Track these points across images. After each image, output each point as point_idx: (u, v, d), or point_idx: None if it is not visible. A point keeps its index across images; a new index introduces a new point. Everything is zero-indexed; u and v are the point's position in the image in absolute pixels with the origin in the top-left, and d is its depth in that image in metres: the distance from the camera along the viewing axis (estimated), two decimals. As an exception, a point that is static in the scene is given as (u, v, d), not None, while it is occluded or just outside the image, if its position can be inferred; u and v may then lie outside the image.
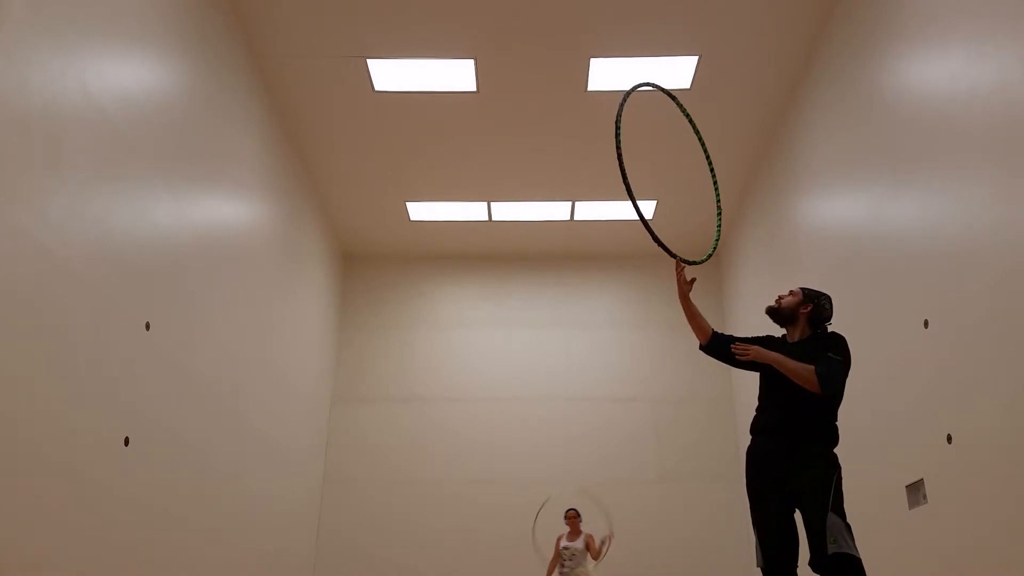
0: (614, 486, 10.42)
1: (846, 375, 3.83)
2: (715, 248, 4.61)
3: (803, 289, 4.13)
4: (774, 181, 8.90)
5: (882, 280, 6.12)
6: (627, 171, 4.22)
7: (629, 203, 10.09)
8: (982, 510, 4.69)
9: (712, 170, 4.84)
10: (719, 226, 4.80)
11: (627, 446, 10.63)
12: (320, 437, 10.41)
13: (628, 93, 4.49)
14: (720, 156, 9.21)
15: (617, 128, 4.29)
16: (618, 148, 4.29)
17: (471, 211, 10.48)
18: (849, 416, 6.66)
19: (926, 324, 5.36)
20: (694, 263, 4.31)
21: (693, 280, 4.22)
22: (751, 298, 9.85)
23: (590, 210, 10.41)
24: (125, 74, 5.24)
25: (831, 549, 3.53)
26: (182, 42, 6.10)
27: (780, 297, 4.14)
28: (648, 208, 10.29)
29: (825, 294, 4.11)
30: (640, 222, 4.37)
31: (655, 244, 4.31)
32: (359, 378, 11.00)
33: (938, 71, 5.31)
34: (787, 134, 8.43)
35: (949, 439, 5.04)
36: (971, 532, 4.81)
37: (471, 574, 9.94)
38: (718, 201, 4.82)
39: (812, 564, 3.62)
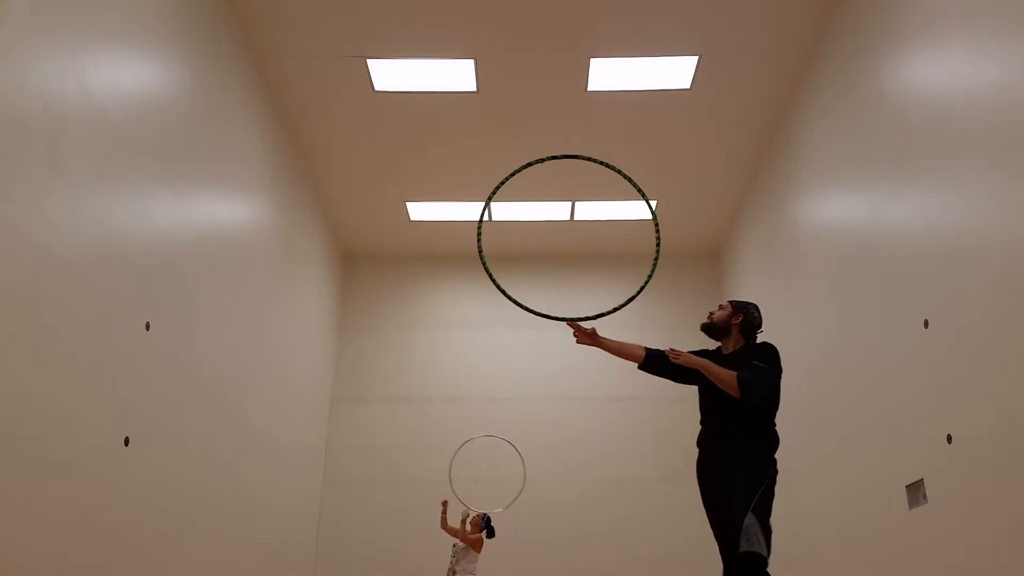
0: (614, 486, 10.42)
1: (772, 381, 3.98)
2: (645, 284, 4.55)
3: (731, 302, 4.39)
4: (774, 181, 8.90)
5: (882, 280, 6.12)
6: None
7: (632, 208, 10.18)
8: (982, 510, 4.69)
9: (647, 201, 4.86)
10: (656, 258, 4.67)
11: (627, 446, 10.63)
12: (320, 437, 10.42)
13: (522, 168, 4.67)
14: (720, 156, 9.23)
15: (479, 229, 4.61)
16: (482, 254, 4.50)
17: (471, 211, 10.47)
18: (849, 416, 6.72)
19: (926, 324, 5.36)
20: (596, 317, 4.39)
21: (593, 329, 4.38)
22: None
23: (590, 210, 10.41)
24: (125, 74, 5.24)
25: (742, 548, 3.56)
26: (182, 42, 6.10)
27: (711, 313, 4.39)
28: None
29: (752, 303, 4.34)
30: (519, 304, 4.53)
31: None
32: (359, 378, 10.99)
33: (938, 71, 5.31)
34: (787, 134, 8.43)
35: (949, 439, 5.04)
36: (971, 532, 4.81)
37: (471, 574, 9.94)
38: (656, 230, 4.65)
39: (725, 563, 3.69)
